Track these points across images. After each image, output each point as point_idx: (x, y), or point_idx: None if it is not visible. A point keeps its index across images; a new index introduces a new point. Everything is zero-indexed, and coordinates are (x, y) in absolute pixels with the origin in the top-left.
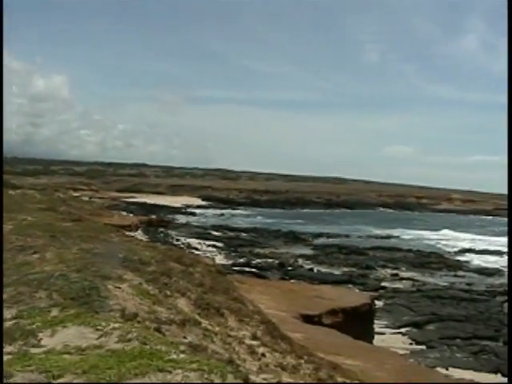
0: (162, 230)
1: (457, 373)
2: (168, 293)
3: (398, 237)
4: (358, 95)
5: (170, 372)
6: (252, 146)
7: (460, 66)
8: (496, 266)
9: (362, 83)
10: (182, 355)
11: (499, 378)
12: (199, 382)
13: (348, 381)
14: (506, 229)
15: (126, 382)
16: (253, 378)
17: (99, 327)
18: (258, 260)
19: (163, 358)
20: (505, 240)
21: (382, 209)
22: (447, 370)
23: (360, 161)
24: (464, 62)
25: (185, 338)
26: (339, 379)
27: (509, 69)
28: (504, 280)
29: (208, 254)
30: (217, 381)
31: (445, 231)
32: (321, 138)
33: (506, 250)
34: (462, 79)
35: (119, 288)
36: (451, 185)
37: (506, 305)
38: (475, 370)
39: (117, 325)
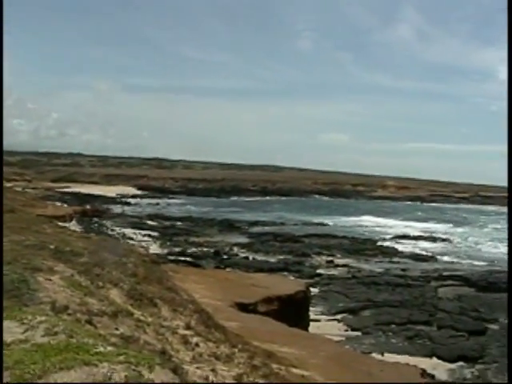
0: (96, 220)
1: (392, 358)
2: (100, 284)
3: (333, 224)
4: (293, 83)
5: (95, 365)
6: (188, 135)
7: (394, 54)
8: (430, 252)
9: (297, 71)
10: (109, 348)
11: (434, 361)
12: (126, 373)
13: (283, 367)
14: (441, 215)
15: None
16: (186, 368)
17: (25, 321)
18: (193, 249)
19: (90, 351)
20: (439, 226)
21: (317, 196)
22: (382, 355)
23: (296, 148)
24: (398, 50)
25: (116, 329)
26: (274, 366)
27: (509, 68)
28: (438, 265)
29: (143, 244)
30: (144, 372)
31: (380, 219)
32: (257, 126)
33: (439, 235)
34: (397, 67)
35: (50, 280)
36: (386, 172)
37: (440, 290)
38: (410, 354)
39: (44, 318)
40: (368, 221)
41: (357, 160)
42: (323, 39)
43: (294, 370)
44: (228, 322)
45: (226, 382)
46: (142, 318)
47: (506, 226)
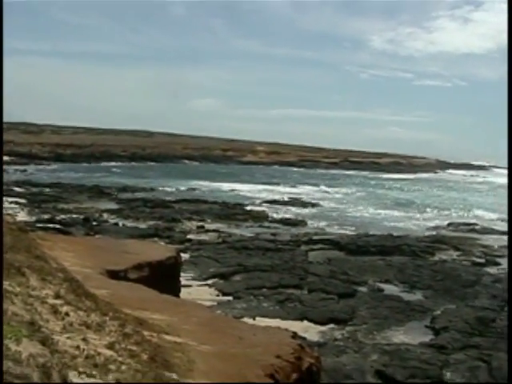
0: None
1: (264, 321)
2: None
3: (203, 189)
4: (165, 49)
5: None
6: (56, 99)
7: (268, 21)
8: (299, 216)
9: (169, 37)
10: None
11: (305, 324)
12: None
13: (155, 334)
14: (311, 180)
15: None
16: (56, 338)
17: None
18: (62, 216)
19: None
20: (308, 190)
21: (187, 161)
22: (254, 319)
23: (168, 114)
24: (272, 17)
25: None
26: (146, 333)
27: (509, 68)
28: (308, 230)
29: (10, 211)
30: (11, 346)
31: (250, 184)
32: (128, 91)
33: (308, 200)
34: (270, 34)
35: None
36: (257, 137)
37: (310, 254)
38: (282, 318)
39: None
40: (238, 185)
41: (228, 126)
42: (195, 5)
43: (167, 337)
44: (98, 290)
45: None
46: (9, 288)
47: (376, 190)
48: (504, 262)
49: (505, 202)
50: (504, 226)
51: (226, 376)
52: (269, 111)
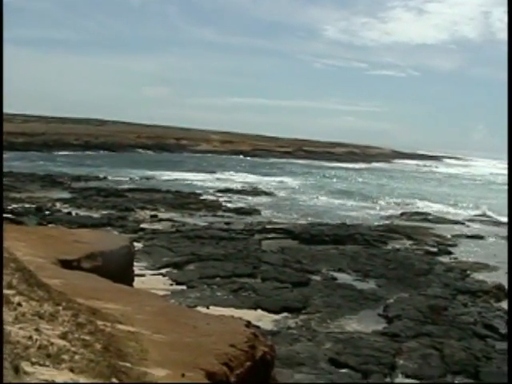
0: None
1: (218, 310)
2: None
3: (157, 178)
4: (118, 36)
5: None
6: (7, 87)
7: (223, 10)
8: (253, 205)
9: (122, 23)
10: None
11: (259, 313)
12: None
13: (108, 324)
14: (264, 170)
15: None
16: (8, 328)
17: None
18: (14, 205)
19: None
20: (261, 179)
21: (141, 150)
22: (208, 308)
23: (120, 102)
24: (227, 6)
25: None
26: (99, 323)
27: (509, 68)
28: (261, 219)
29: None
30: None
31: (203, 173)
32: (80, 78)
33: (262, 189)
34: (225, 23)
35: None
36: (211, 126)
37: (263, 243)
38: (235, 307)
39: None
40: (191, 175)
41: (182, 114)
42: None
43: (120, 326)
44: (51, 280)
45: (51, 340)
46: None
47: (330, 179)
48: (456, 250)
49: (457, 191)
50: (456, 215)
51: (180, 365)
52: (223, 100)
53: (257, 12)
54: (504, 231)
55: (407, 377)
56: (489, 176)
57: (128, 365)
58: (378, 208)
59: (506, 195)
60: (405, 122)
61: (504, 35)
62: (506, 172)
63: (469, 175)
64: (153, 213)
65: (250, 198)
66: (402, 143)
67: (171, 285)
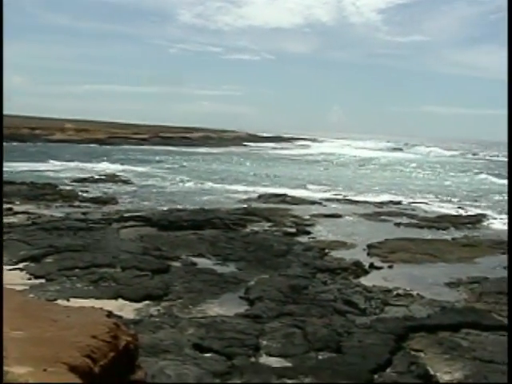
0: None
1: (78, 302)
2: None
3: (9, 170)
4: None
5: None
6: None
7: None
8: (110, 194)
9: None
10: None
11: (120, 302)
12: None
13: None
14: (119, 157)
15: None
16: None
17: None
18: None
19: None
20: (115, 167)
21: None
22: (68, 300)
23: None
24: None
25: None
26: None
27: (509, 69)
28: (119, 207)
29: None
30: None
31: (59, 162)
32: None
33: (118, 177)
34: (78, 8)
35: None
36: (66, 115)
37: (122, 231)
38: (96, 297)
39: None
40: (46, 165)
41: (36, 103)
42: None
43: None
44: None
45: None
46: None
47: (187, 163)
48: (314, 230)
49: (313, 172)
50: (313, 196)
51: (41, 361)
52: (79, 87)
53: None
54: (358, 209)
55: (271, 356)
56: (333, 156)
57: None
58: (235, 191)
59: (353, 174)
60: (262, 105)
61: (356, 19)
62: (349, 151)
63: (319, 155)
64: (7, 206)
65: (106, 186)
66: (260, 126)
67: (29, 279)
